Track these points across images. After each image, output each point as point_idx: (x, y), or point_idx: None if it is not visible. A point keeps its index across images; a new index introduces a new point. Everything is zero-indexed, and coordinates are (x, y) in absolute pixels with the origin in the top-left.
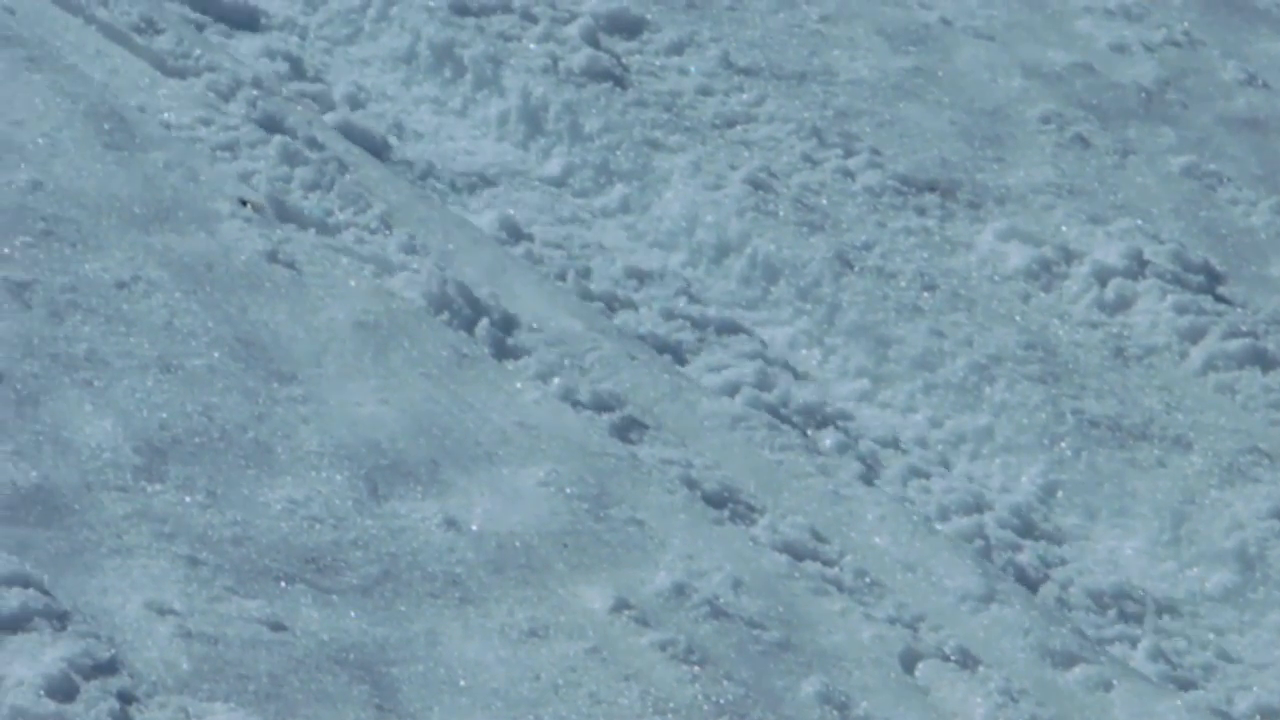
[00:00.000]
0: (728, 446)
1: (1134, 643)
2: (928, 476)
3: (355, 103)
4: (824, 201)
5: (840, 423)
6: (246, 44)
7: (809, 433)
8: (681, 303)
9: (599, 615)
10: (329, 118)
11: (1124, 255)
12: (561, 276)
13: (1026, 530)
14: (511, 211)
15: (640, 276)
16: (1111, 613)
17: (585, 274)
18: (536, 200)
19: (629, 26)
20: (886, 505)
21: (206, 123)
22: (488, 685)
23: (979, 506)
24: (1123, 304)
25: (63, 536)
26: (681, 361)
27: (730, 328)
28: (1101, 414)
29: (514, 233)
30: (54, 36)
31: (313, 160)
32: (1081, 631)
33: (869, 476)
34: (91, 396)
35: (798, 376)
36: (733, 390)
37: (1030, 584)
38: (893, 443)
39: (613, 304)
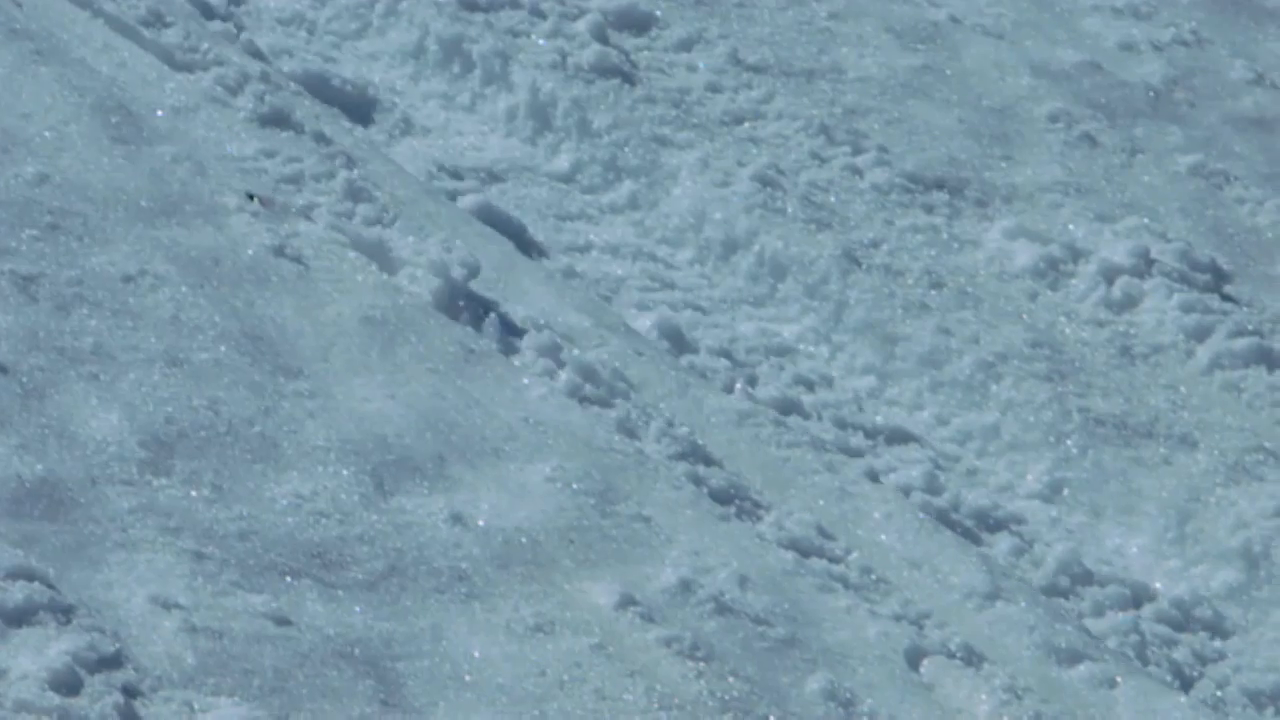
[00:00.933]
0: (734, 443)
1: None
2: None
3: (364, 97)
4: (832, 199)
5: (1015, 526)
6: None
7: (984, 537)
8: (852, 411)
9: (605, 611)
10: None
11: (1131, 254)
12: (729, 388)
13: (1184, 623)
14: (671, 314)
15: (810, 384)
16: (1269, 711)
17: (752, 381)
18: (544, 196)
19: (638, 23)
20: (893, 502)
21: (214, 117)
22: (493, 680)
23: (1136, 600)
24: (1129, 302)
25: (68, 530)
26: (853, 461)
27: (900, 436)
28: (1107, 412)
29: (677, 340)
30: (61, 30)
31: (320, 154)
32: (1086, 629)
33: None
34: (97, 390)
35: (969, 480)
36: (904, 493)
37: (1185, 682)
38: (1016, 519)
39: (783, 409)
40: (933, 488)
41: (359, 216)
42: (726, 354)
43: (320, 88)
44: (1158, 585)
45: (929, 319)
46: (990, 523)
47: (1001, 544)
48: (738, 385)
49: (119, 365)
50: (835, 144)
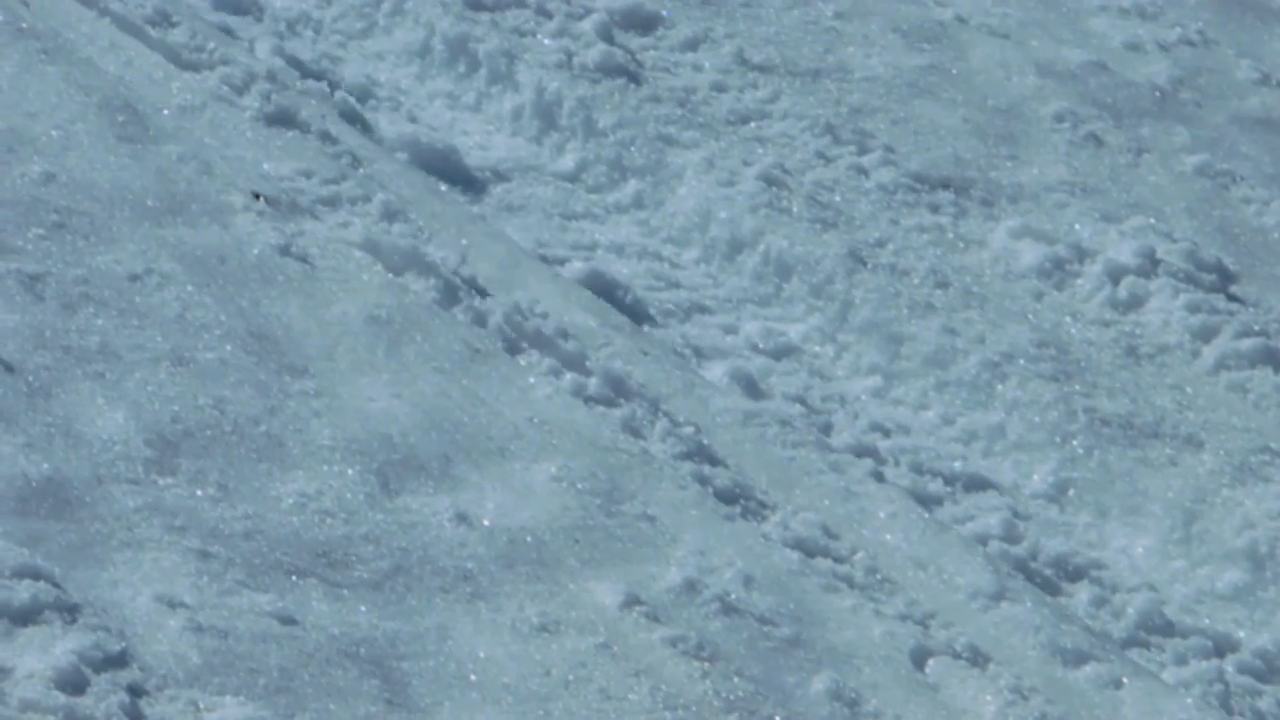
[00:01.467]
0: (740, 443)
1: None
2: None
3: (368, 97)
4: (837, 198)
5: (1094, 572)
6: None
7: (1064, 586)
8: (930, 457)
9: (610, 611)
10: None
11: (1137, 254)
12: (801, 443)
13: (1268, 674)
14: (747, 368)
15: (885, 430)
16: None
17: (827, 429)
18: (550, 195)
19: (643, 22)
20: (898, 502)
21: (220, 116)
22: (498, 680)
23: (1219, 651)
24: (1135, 302)
25: (74, 529)
26: (928, 510)
27: (978, 483)
28: (1113, 412)
29: (752, 390)
30: (68, 29)
31: (326, 154)
32: (1091, 629)
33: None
34: (103, 389)
35: (1047, 528)
36: (981, 542)
37: None
38: (1096, 566)
39: (860, 454)
40: (1011, 536)
41: (365, 215)
42: (801, 400)
43: (438, 163)
44: (1240, 635)
45: (934, 319)
46: (1069, 571)
47: (1081, 594)
48: (818, 437)
49: (125, 364)
50: (841, 143)
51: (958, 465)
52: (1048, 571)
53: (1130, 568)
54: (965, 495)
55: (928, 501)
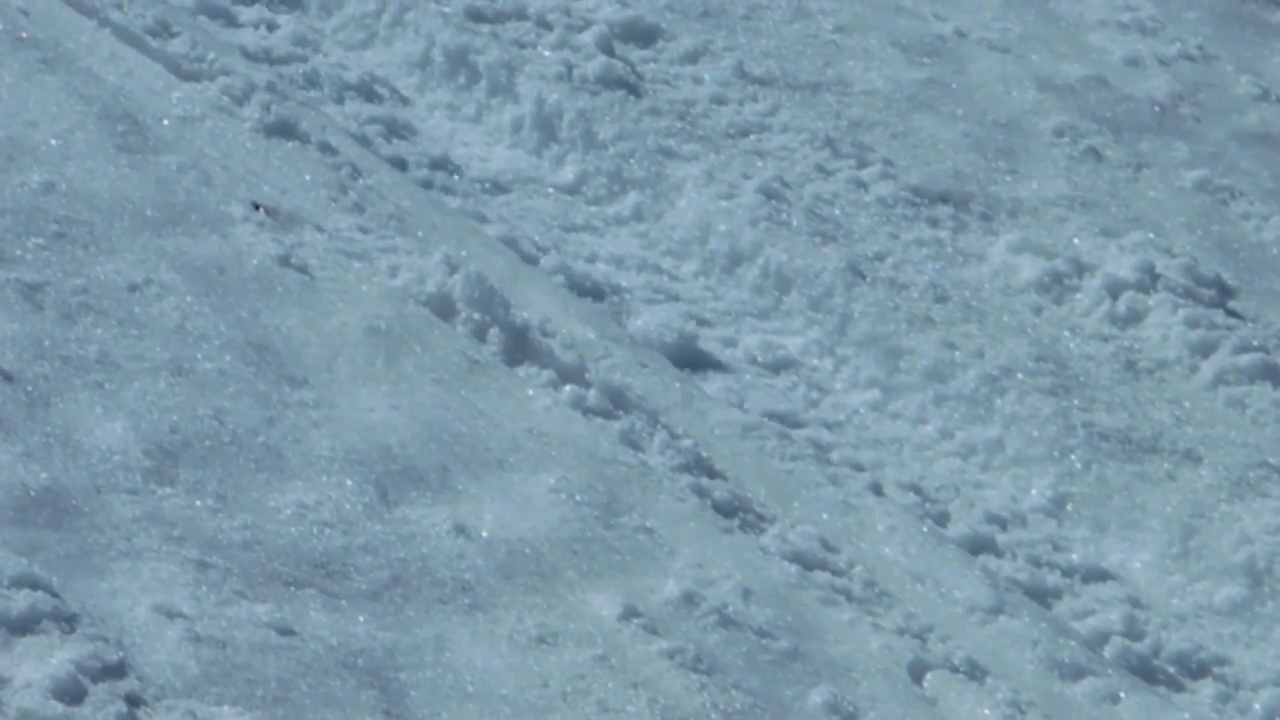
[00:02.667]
0: (738, 455)
1: None
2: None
3: (368, 108)
4: (837, 212)
5: (1217, 669)
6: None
7: (1186, 683)
8: (1048, 549)
9: (608, 623)
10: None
11: (1136, 269)
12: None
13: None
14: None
15: (1002, 521)
16: None
17: (942, 519)
18: (550, 207)
19: (644, 35)
20: (896, 516)
21: (220, 126)
22: (496, 691)
23: None
24: (1134, 317)
25: (72, 539)
26: (1047, 606)
27: (1097, 574)
28: (1112, 427)
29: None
30: (68, 39)
31: (326, 165)
32: (1089, 644)
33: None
34: (102, 399)
35: (1167, 622)
36: (1101, 639)
37: None
38: (1219, 662)
39: (975, 548)
40: (1133, 632)
41: (364, 226)
42: (916, 489)
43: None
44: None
45: (933, 333)
46: (1193, 668)
47: (1205, 690)
48: (928, 522)
49: (124, 374)
50: (840, 157)
51: (1075, 557)
52: (1170, 669)
53: (1252, 668)
54: (1084, 586)
55: (1045, 595)
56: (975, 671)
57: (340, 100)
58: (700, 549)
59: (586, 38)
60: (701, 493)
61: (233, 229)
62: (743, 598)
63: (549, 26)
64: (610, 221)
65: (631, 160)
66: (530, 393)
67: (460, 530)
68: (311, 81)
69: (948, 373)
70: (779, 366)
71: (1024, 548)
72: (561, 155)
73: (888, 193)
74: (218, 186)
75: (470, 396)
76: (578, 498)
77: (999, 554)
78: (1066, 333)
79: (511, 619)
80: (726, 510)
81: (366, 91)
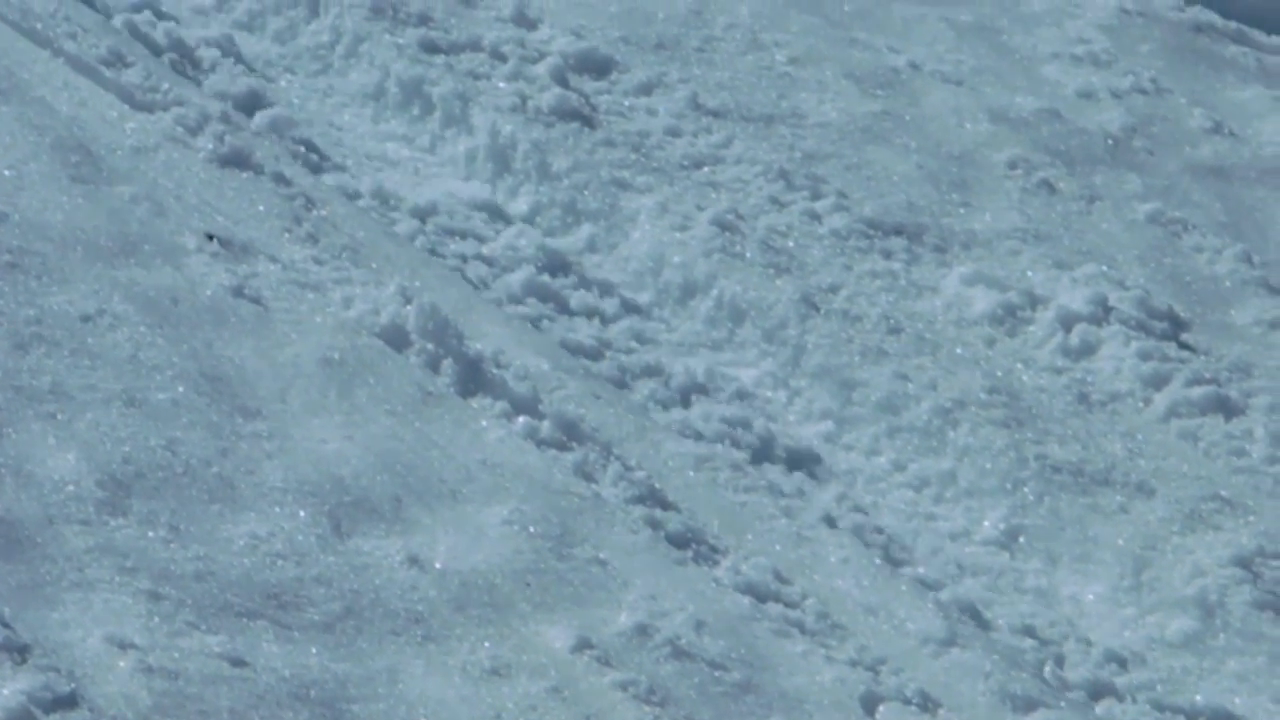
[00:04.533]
0: (691, 487)
1: None
2: None
3: (322, 139)
4: (790, 244)
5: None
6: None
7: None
8: (1168, 692)
9: (561, 654)
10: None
11: (1089, 301)
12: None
13: None
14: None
15: (1122, 661)
16: None
17: (1060, 661)
18: (504, 239)
19: (598, 66)
20: (849, 548)
21: (174, 157)
22: None
23: None
24: (1087, 350)
25: (24, 569)
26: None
27: (1223, 716)
28: (1064, 459)
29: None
30: (21, 68)
31: (280, 195)
32: (1042, 676)
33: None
34: (55, 429)
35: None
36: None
37: None
38: None
39: (1094, 692)
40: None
41: (318, 258)
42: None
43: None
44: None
45: (887, 365)
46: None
47: None
48: (1046, 668)
49: (77, 405)
50: (794, 189)
51: (1199, 699)
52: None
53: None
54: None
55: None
56: (928, 703)
57: (295, 131)
58: (653, 581)
59: (541, 69)
60: (655, 524)
61: (186, 260)
62: (696, 629)
63: (503, 58)
64: (565, 253)
65: (586, 192)
66: (484, 424)
67: (413, 561)
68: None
69: (901, 405)
70: (732, 398)
71: (1144, 691)
72: (516, 186)
73: (841, 225)
74: (171, 217)
75: (424, 428)
76: (531, 529)
77: (1120, 698)
78: (1019, 365)
79: (464, 650)
80: (679, 542)
81: (321, 122)
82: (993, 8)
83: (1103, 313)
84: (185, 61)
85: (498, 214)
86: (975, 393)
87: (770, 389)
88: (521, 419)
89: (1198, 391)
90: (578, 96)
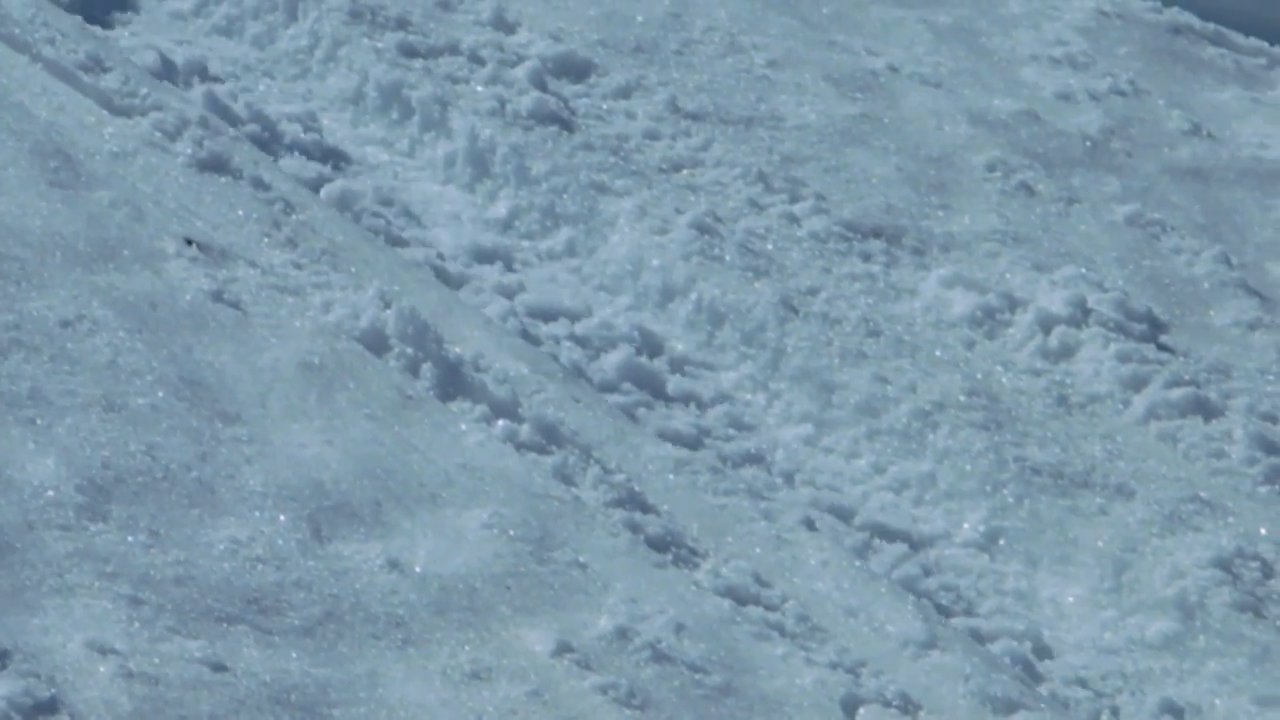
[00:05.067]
0: (671, 490)
1: None
2: None
3: (302, 143)
4: (769, 246)
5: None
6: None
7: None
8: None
9: (541, 658)
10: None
11: (1068, 303)
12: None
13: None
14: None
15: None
16: None
17: (1115, 712)
18: (483, 243)
19: (576, 70)
20: (829, 550)
21: (152, 162)
22: None
23: None
24: (1066, 352)
25: (3, 575)
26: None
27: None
28: (1044, 461)
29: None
30: (0, 74)
31: (259, 200)
32: (1022, 679)
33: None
34: (34, 435)
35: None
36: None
37: None
38: None
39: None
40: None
41: (297, 262)
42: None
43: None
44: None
45: (866, 367)
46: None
47: None
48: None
49: (56, 410)
50: (773, 192)
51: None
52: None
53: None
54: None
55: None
56: (908, 706)
57: (274, 135)
58: (633, 584)
59: (519, 73)
60: (634, 528)
61: (165, 264)
62: (676, 633)
63: (482, 62)
64: (543, 256)
65: (564, 195)
66: (463, 428)
67: (393, 565)
68: (245, 116)
69: (880, 407)
70: (712, 401)
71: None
72: (494, 190)
73: (820, 227)
74: (150, 222)
75: (403, 432)
76: (511, 533)
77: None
78: (998, 367)
79: (444, 655)
80: (659, 545)
81: (300, 126)
82: (971, 10)
83: (1082, 315)
84: (166, 70)
85: (477, 217)
86: (954, 395)
87: (749, 392)
88: (501, 422)
89: (1177, 393)
90: (556, 100)
